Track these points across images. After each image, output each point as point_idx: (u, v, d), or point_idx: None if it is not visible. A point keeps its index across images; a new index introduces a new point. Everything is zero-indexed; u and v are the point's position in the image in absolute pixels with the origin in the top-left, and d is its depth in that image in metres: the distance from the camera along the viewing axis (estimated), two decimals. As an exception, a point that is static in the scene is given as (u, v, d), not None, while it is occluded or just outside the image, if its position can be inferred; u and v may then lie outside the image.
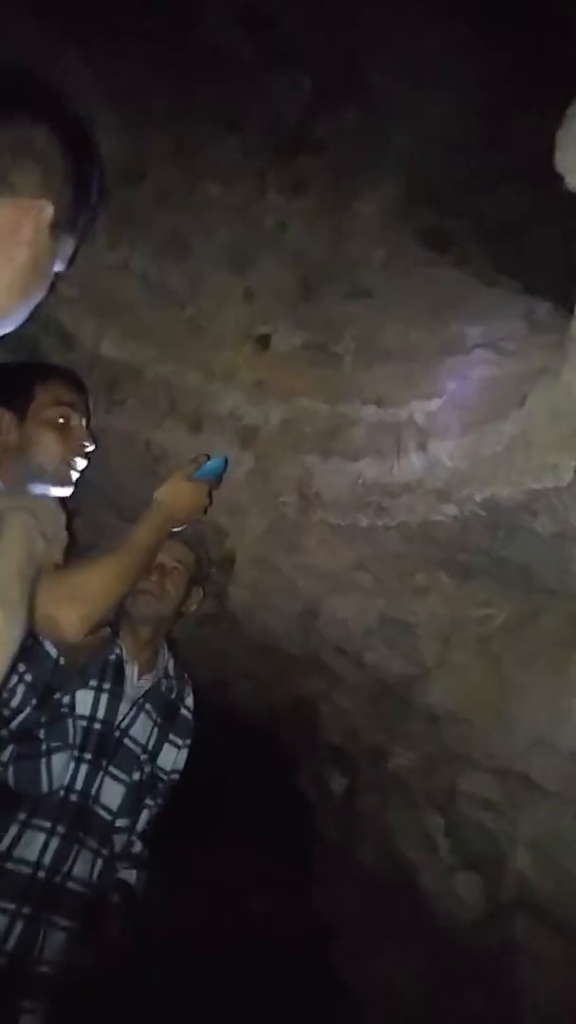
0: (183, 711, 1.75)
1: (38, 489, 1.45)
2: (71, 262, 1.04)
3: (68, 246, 0.97)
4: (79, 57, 1.86)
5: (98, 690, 1.59)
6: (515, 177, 2.60)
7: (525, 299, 1.97)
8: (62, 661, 1.56)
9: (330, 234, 2.21)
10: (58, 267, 0.98)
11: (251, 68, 2.19)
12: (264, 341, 2.06)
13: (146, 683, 1.67)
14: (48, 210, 0.89)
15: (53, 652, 1.55)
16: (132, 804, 1.61)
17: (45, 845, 1.48)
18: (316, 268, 2.14)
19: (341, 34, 2.23)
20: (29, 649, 1.53)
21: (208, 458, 1.75)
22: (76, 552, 1.48)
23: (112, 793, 1.58)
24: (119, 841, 1.60)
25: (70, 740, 1.51)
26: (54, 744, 1.49)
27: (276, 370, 2.06)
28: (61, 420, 1.52)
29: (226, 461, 1.77)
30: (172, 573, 1.75)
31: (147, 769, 1.64)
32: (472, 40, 2.29)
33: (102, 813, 1.56)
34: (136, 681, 1.67)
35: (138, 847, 1.67)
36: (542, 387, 1.45)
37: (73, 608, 1.22)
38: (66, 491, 1.50)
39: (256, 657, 2.35)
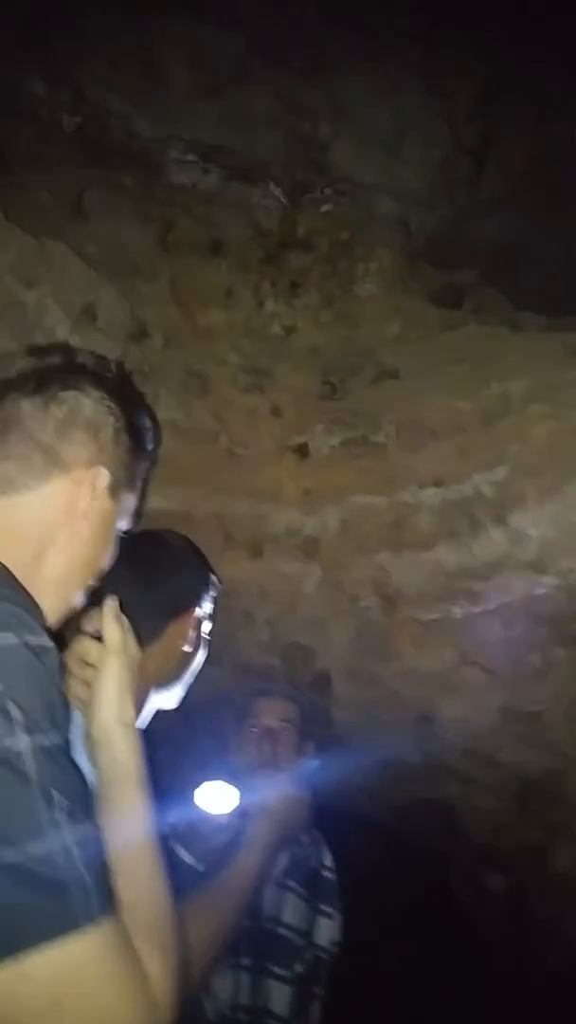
0: (325, 874, 1.58)
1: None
2: (138, 516, 0.98)
3: (130, 502, 0.91)
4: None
5: None
6: (505, 203, 2.55)
7: (560, 336, 1.86)
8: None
9: (339, 324, 2.16)
10: (123, 525, 0.92)
11: (219, 194, 2.21)
12: (302, 450, 1.99)
13: (284, 857, 1.52)
14: (103, 475, 0.84)
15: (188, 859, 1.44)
16: (302, 1002, 1.44)
17: None
18: (334, 362, 2.08)
19: (302, 136, 2.24)
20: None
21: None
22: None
23: (280, 997, 1.41)
24: None
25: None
26: None
27: (321, 475, 1.97)
28: None
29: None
30: (281, 735, 1.61)
31: (307, 955, 1.48)
32: (437, 88, 2.28)
33: (276, 1022, 1.40)
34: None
35: None
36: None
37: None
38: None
39: (370, 773, 2.18)
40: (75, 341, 1.80)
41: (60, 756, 0.62)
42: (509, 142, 2.35)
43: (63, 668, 0.77)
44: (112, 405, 0.86)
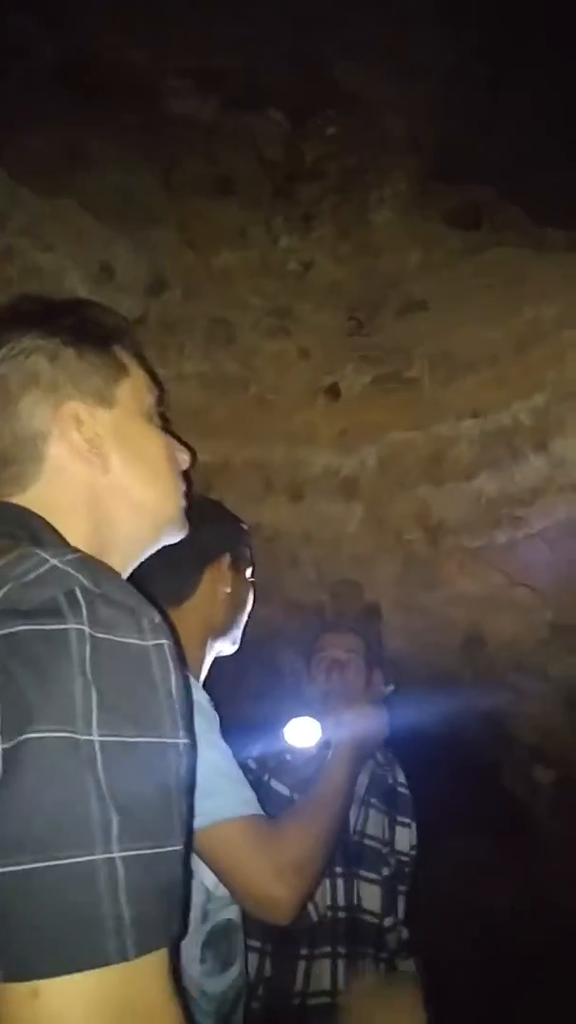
0: (400, 790, 1.72)
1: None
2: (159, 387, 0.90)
3: (127, 393, 0.84)
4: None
5: None
6: (516, 114, 2.44)
7: (587, 252, 1.83)
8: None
9: (358, 255, 2.12)
10: (152, 409, 0.86)
11: (220, 124, 2.11)
12: (334, 391, 1.99)
13: (364, 778, 1.65)
14: (72, 407, 0.78)
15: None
16: (391, 899, 1.60)
17: (333, 970, 1.48)
18: (358, 296, 2.05)
19: (303, 53, 2.11)
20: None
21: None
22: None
23: (371, 896, 1.57)
24: (392, 939, 1.60)
25: None
26: None
27: (355, 415, 1.98)
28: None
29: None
30: (348, 665, 1.71)
31: (391, 860, 1.63)
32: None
33: (369, 919, 1.56)
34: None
35: (405, 933, 1.66)
36: None
37: (291, 886, 1.06)
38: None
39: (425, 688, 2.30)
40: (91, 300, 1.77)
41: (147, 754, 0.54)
42: (523, 51, 2.22)
43: None
44: (30, 336, 0.79)
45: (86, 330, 0.81)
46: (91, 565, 0.59)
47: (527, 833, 2.91)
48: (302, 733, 1.54)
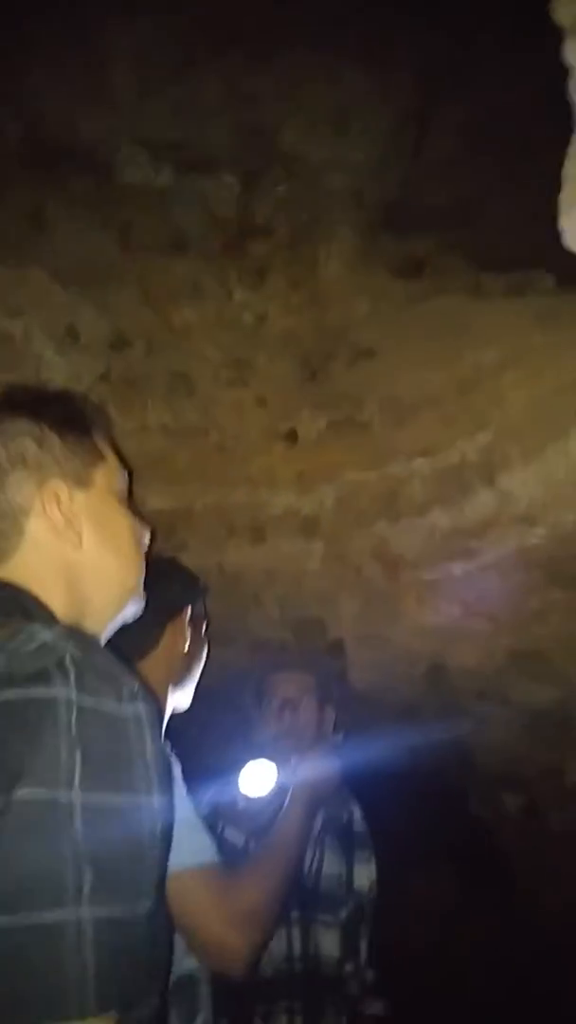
0: (356, 828, 1.73)
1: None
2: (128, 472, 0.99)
3: (103, 476, 0.92)
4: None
5: None
6: (454, 164, 2.60)
7: (523, 301, 1.96)
8: None
9: (309, 307, 2.23)
10: (120, 491, 0.95)
11: (174, 188, 2.23)
12: (291, 436, 2.08)
13: (318, 817, 1.66)
14: (54, 484, 0.86)
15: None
16: (351, 943, 1.59)
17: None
18: (311, 347, 2.16)
19: (249, 122, 2.25)
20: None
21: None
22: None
23: (330, 942, 1.55)
24: (354, 985, 1.59)
25: None
26: None
27: (312, 457, 2.07)
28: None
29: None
30: (299, 705, 1.74)
31: (349, 901, 1.63)
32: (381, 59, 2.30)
33: (328, 968, 1.54)
34: None
35: (371, 975, 1.65)
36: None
37: (245, 935, 1.08)
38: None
39: (391, 720, 2.35)
40: (60, 362, 1.86)
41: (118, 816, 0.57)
42: (452, 106, 2.39)
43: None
44: (20, 421, 0.86)
45: (70, 419, 0.91)
46: (78, 637, 0.65)
47: (496, 861, 2.94)
48: (257, 779, 1.57)
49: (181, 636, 1.41)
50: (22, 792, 0.54)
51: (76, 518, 0.86)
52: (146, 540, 0.98)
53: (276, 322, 2.21)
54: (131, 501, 0.99)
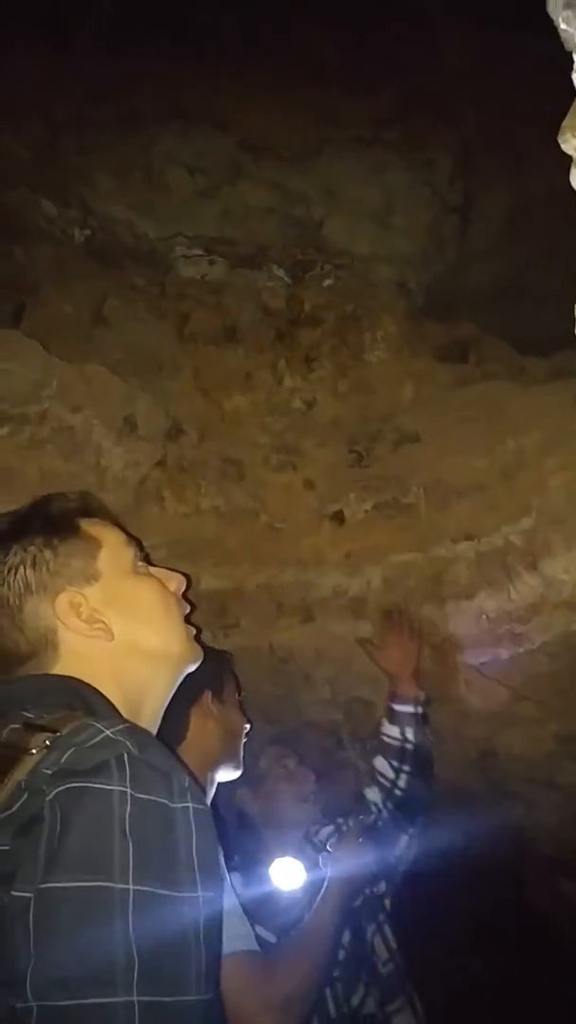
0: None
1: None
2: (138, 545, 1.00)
3: (106, 563, 0.93)
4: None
5: None
6: (494, 252, 2.69)
7: (564, 385, 2.00)
8: None
9: (355, 393, 2.31)
10: (132, 567, 0.95)
11: (227, 282, 2.37)
12: (338, 517, 2.13)
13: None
14: (67, 596, 0.88)
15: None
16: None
17: None
18: (357, 431, 2.23)
19: (298, 219, 2.39)
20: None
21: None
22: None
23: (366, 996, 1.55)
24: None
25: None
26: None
27: (359, 539, 2.12)
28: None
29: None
30: (279, 784, 1.74)
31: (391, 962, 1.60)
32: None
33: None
34: None
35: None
36: None
37: (281, 1021, 1.14)
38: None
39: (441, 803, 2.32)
40: (119, 451, 1.96)
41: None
42: (490, 196, 2.50)
43: None
44: (9, 554, 0.88)
45: (52, 525, 0.91)
46: (137, 733, 0.69)
47: (552, 946, 2.83)
48: (286, 874, 1.57)
49: (210, 718, 1.43)
50: (76, 882, 0.58)
51: (97, 614, 0.88)
52: (180, 584, 0.99)
53: (324, 408, 2.29)
54: (146, 558, 0.99)
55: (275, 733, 2.13)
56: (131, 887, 0.59)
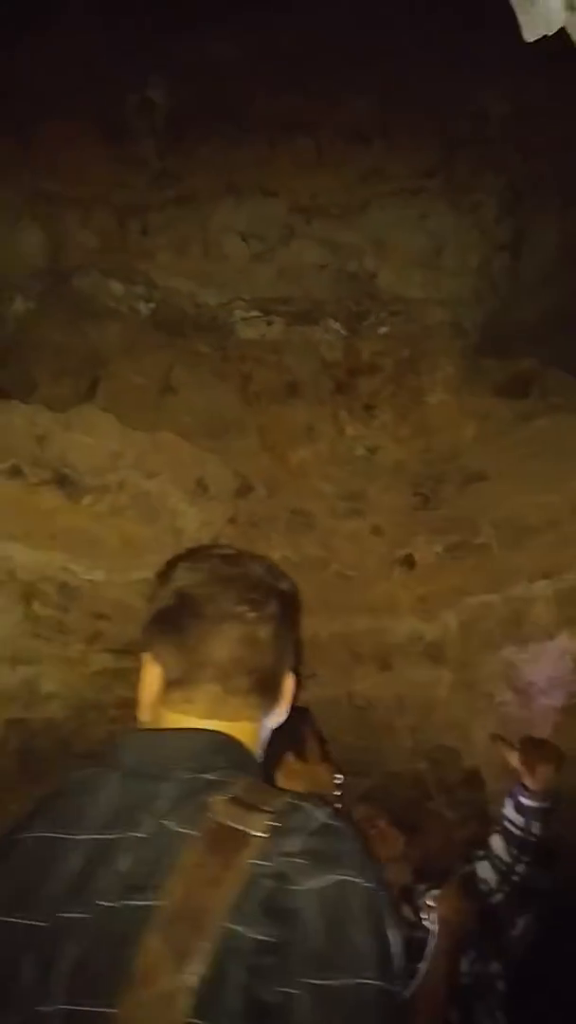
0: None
1: None
2: None
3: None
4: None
5: None
6: (546, 284, 2.68)
7: None
8: None
9: (418, 436, 2.33)
10: None
11: (285, 340, 2.46)
12: (408, 561, 2.13)
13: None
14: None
15: None
16: None
17: None
18: (421, 473, 2.24)
19: (351, 272, 2.46)
20: None
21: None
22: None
23: None
24: None
25: None
26: None
27: (432, 582, 2.11)
28: None
29: None
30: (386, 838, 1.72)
31: None
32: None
33: None
34: None
35: None
36: None
37: None
38: None
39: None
40: (192, 512, 2.04)
41: None
42: (539, 229, 2.50)
43: None
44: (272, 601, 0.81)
45: (292, 604, 0.85)
46: (343, 818, 0.69)
47: None
48: None
49: (295, 778, 1.44)
50: (345, 975, 0.59)
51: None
52: None
53: (387, 453, 2.32)
54: None
55: (363, 789, 2.12)
56: (385, 984, 0.60)
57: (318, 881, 0.61)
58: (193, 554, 0.87)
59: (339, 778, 1.51)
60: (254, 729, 0.79)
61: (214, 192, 2.46)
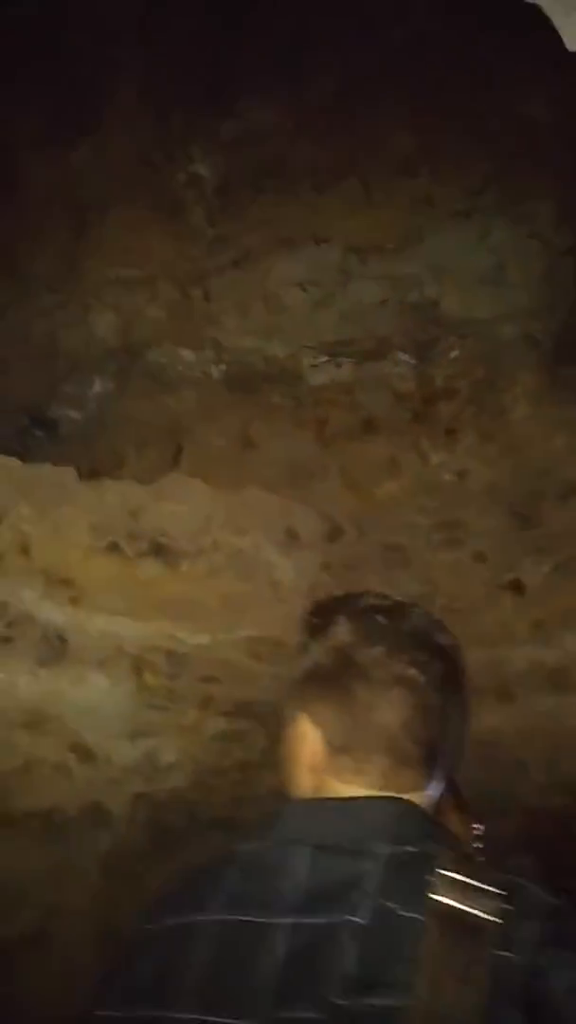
0: None
1: None
2: None
3: None
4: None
5: None
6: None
7: None
8: None
9: (507, 453, 2.25)
10: None
11: (356, 379, 2.46)
12: (517, 586, 2.04)
13: None
14: None
15: None
16: None
17: None
18: (517, 491, 2.15)
19: (412, 302, 2.45)
20: None
21: None
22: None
23: None
24: None
25: None
26: None
27: (545, 605, 2.01)
28: None
29: None
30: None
31: None
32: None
33: None
34: None
35: None
36: None
37: None
38: None
39: None
40: (286, 563, 2.04)
41: None
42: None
43: None
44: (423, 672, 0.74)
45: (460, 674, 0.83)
46: (563, 896, 0.65)
47: None
48: None
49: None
50: None
51: None
52: None
53: (477, 476, 2.25)
54: None
55: (505, 832, 2.00)
56: None
57: (571, 973, 0.56)
58: (346, 604, 0.81)
59: (479, 828, 1.42)
60: (424, 800, 0.72)
61: (268, 248, 2.52)
